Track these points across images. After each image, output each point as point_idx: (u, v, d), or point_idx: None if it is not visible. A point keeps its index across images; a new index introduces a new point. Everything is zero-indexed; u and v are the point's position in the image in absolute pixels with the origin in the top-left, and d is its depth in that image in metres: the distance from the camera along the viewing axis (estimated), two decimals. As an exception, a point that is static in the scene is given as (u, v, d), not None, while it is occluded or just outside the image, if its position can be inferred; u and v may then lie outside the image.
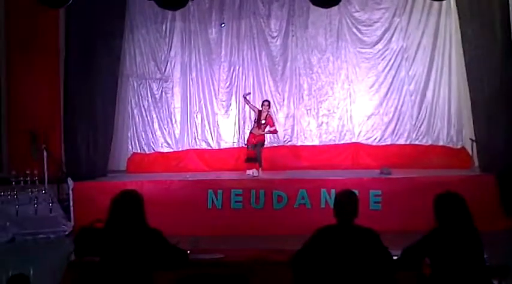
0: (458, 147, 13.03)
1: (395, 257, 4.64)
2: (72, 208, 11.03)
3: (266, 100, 12.46)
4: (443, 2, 12.29)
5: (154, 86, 13.82)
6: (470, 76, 11.81)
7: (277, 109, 13.64)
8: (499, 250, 7.90)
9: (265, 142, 12.48)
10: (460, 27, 12.00)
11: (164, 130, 13.80)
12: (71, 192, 11.18)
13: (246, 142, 12.57)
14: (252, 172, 11.88)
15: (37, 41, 12.78)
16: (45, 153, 11.63)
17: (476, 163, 12.00)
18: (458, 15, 12.02)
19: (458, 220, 4.46)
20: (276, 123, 12.58)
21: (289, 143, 13.66)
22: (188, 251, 5.04)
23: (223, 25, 13.69)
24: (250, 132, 12.39)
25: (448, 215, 4.48)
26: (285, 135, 13.65)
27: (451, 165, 12.34)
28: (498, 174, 10.73)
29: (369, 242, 4.44)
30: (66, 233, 10.87)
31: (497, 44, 10.93)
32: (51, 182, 11.55)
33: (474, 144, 12.02)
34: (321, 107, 13.51)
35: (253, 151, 12.07)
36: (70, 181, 11.22)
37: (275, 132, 12.61)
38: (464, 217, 4.49)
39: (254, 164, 11.99)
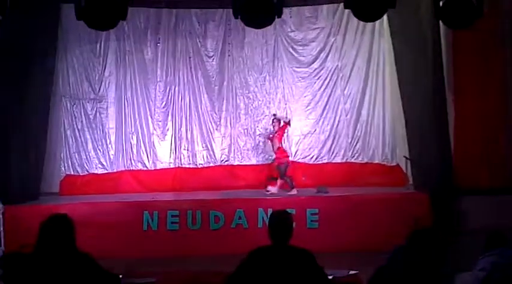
0: (393, 164, 13.21)
1: (330, 277, 4.60)
2: (2, 233, 10.67)
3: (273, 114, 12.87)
4: (377, 23, 12.51)
5: (88, 106, 13.52)
6: (404, 95, 12.04)
7: (213, 129, 13.61)
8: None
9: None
10: (392, 47, 12.22)
11: (98, 151, 13.49)
12: (1, 216, 10.80)
13: (274, 160, 12.63)
14: (272, 189, 11.93)
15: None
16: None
17: (411, 181, 12.17)
18: (391, 35, 12.24)
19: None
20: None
21: (226, 163, 13.59)
22: (120, 276, 4.91)
23: (158, 44, 13.58)
24: (279, 148, 12.45)
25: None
26: (221, 154, 13.59)
27: (386, 183, 12.54)
28: (431, 192, 10.91)
29: (303, 264, 4.38)
30: (-3, 258, 10.48)
31: (429, 65, 11.14)
32: (-20, 206, 11.15)
33: (408, 161, 12.19)
34: (257, 127, 13.50)
35: (278, 170, 12.24)
36: (0, 205, 10.87)
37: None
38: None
39: (275, 182, 12.11)
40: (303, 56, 13.59)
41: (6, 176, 11.53)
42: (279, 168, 12.24)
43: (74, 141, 13.43)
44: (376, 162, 13.35)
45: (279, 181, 12.10)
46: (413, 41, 11.41)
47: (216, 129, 13.64)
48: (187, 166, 13.54)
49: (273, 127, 12.55)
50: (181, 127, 13.57)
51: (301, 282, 4.28)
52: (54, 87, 13.05)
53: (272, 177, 12.41)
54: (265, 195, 11.67)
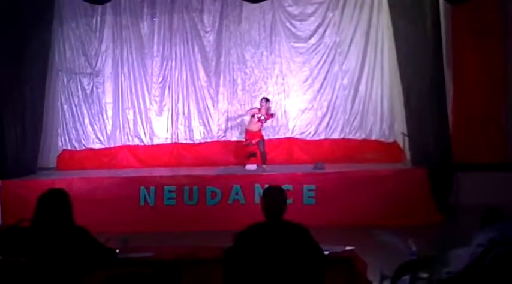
0: (391, 141, 13.18)
1: (326, 253, 4.59)
2: (-1, 207, 10.68)
3: (264, 98, 12.43)
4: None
5: (85, 81, 13.49)
6: (402, 71, 11.95)
7: (210, 105, 13.58)
8: (428, 242, 8.05)
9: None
10: (392, 23, 12.13)
11: (95, 126, 13.49)
12: (-2, 190, 10.81)
13: (244, 140, 12.50)
14: (252, 167, 11.94)
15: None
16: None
17: (408, 157, 12.15)
18: (390, 11, 12.14)
19: None
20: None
21: (223, 138, 13.57)
22: (117, 250, 4.90)
23: (155, 18, 13.48)
24: (247, 130, 12.37)
25: None
26: (218, 130, 13.56)
27: (384, 159, 12.50)
28: (429, 168, 10.89)
29: (297, 239, 4.35)
30: (-6, 232, 10.46)
31: (428, 40, 11.07)
32: (-23, 180, 11.13)
33: (406, 138, 12.15)
34: (255, 102, 13.41)
35: (253, 147, 12.16)
36: (-3, 179, 10.86)
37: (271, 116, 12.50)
38: None
39: (255, 159, 12.07)
40: (301, 31, 13.49)
41: (3, 151, 11.52)
42: (260, 144, 12.21)
43: (70, 116, 13.45)
44: (374, 138, 13.31)
45: (257, 158, 12.15)
46: (413, 16, 11.31)
47: (213, 105, 13.60)
48: (184, 141, 13.54)
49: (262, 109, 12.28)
50: (178, 102, 13.55)
51: (297, 257, 4.27)
52: (51, 61, 13.00)
53: (251, 153, 12.28)
54: (264, 171, 11.66)
